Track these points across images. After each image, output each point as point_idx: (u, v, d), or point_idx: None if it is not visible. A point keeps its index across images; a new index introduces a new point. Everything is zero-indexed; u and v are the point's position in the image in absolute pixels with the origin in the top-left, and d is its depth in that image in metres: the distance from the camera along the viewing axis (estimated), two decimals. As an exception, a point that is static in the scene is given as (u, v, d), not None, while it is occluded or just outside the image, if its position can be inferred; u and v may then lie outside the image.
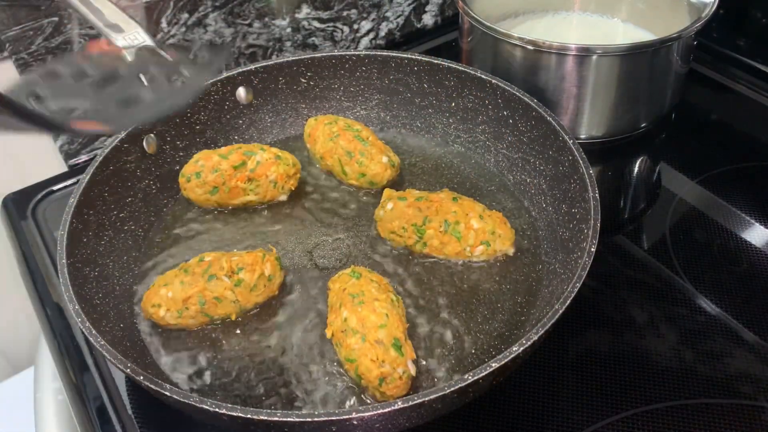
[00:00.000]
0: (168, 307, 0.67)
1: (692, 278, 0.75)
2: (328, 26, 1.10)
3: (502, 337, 0.67)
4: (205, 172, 0.79)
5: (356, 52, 0.89)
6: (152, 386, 0.53)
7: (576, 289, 0.57)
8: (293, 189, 0.82)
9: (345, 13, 1.10)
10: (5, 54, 0.85)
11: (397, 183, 0.85)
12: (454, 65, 0.84)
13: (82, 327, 0.59)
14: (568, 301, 0.56)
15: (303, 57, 0.89)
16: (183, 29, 0.96)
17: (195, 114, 0.85)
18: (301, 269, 0.75)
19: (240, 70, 0.86)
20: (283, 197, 0.82)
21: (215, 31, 0.99)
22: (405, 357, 0.60)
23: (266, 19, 1.03)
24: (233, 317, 0.69)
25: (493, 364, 0.52)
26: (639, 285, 0.74)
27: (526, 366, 0.66)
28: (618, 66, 0.83)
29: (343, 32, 1.12)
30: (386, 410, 0.50)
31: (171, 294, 0.67)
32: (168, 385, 0.53)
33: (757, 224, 0.81)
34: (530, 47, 0.84)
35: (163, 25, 0.94)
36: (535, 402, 0.64)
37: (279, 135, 0.93)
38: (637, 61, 0.84)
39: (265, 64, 0.88)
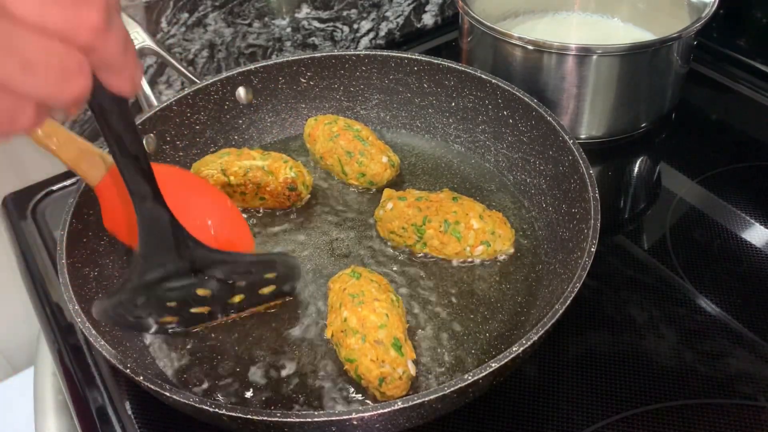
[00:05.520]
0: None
1: (692, 278, 0.75)
2: (328, 26, 1.10)
3: (502, 337, 0.67)
4: None
5: (356, 52, 0.89)
6: (152, 386, 0.53)
7: (576, 289, 0.57)
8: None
9: (345, 13, 1.10)
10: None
11: (397, 183, 0.85)
12: (454, 65, 0.84)
13: (82, 327, 0.59)
14: (568, 301, 0.56)
15: (303, 57, 0.89)
16: (183, 29, 0.96)
17: (195, 114, 0.85)
18: (300, 269, 0.75)
19: (240, 70, 0.86)
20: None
21: (215, 30, 0.99)
22: (405, 357, 0.60)
23: (266, 18, 1.03)
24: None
25: (493, 364, 0.52)
26: (639, 285, 0.74)
27: (526, 366, 0.66)
28: (618, 66, 0.83)
29: (343, 32, 1.12)
30: (386, 410, 0.50)
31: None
32: (168, 385, 0.53)
33: (757, 224, 0.81)
34: (530, 47, 0.84)
35: (163, 24, 0.94)
36: (535, 402, 0.64)
37: (279, 135, 0.93)
38: (637, 61, 0.84)
39: (265, 63, 0.88)
